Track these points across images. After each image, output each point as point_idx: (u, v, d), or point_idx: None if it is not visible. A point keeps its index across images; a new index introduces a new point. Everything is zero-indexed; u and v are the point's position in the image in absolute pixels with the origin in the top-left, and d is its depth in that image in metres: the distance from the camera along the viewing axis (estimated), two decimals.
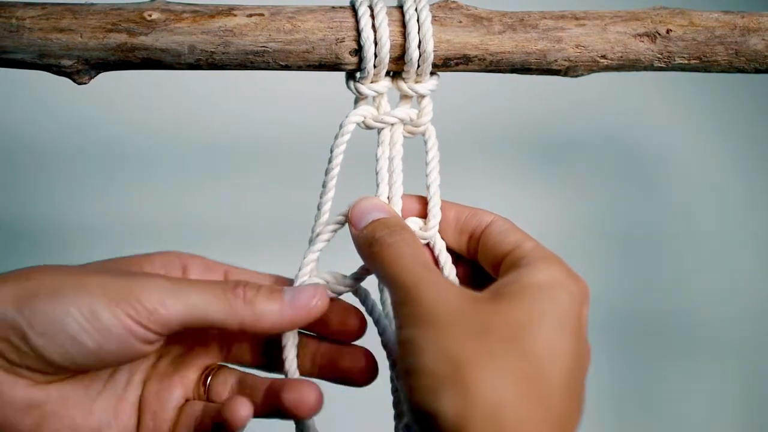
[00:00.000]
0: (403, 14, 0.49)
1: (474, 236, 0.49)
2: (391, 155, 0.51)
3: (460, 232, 0.50)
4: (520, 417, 0.38)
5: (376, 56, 0.49)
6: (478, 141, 0.93)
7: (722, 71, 0.52)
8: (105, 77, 0.50)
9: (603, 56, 0.51)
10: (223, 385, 0.51)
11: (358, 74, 0.50)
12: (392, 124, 0.51)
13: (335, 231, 0.51)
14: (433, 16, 0.49)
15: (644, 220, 0.96)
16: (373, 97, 0.51)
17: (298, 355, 0.50)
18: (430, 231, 0.50)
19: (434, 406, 0.38)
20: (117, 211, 0.89)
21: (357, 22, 0.49)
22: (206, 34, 0.48)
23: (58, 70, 0.49)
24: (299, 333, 0.51)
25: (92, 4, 0.49)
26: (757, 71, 0.52)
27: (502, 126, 0.93)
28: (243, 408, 0.47)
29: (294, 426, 0.51)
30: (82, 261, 0.50)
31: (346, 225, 0.50)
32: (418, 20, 0.49)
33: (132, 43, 0.48)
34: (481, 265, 0.49)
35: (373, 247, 0.46)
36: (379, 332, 0.51)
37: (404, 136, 0.52)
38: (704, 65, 0.51)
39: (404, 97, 0.51)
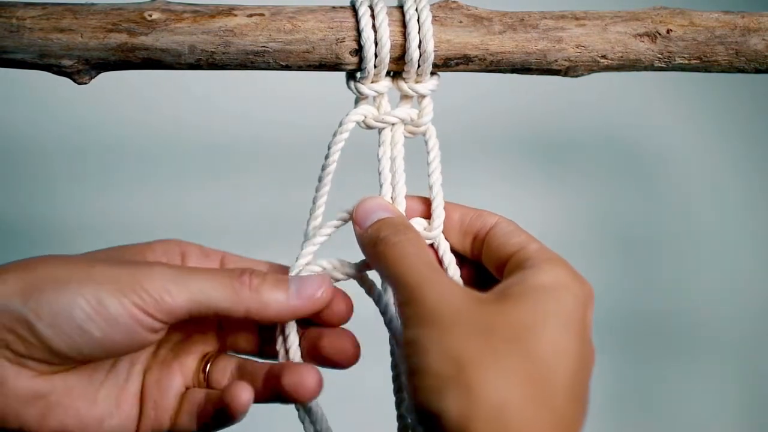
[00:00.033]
0: (403, 14, 0.49)
1: (478, 237, 0.49)
2: (392, 155, 0.51)
3: (465, 234, 0.50)
4: (523, 418, 0.38)
5: (376, 56, 0.49)
6: (478, 141, 0.93)
7: (722, 71, 0.52)
8: (105, 77, 0.50)
9: (603, 56, 0.51)
10: (223, 373, 0.51)
11: (358, 74, 0.50)
12: (393, 124, 0.51)
13: (337, 227, 0.51)
14: (434, 16, 0.49)
15: (644, 220, 0.96)
16: (374, 97, 0.51)
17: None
18: (434, 231, 0.50)
19: (438, 407, 0.38)
20: (117, 211, 0.89)
21: (357, 22, 0.49)
22: (207, 34, 0.48)
23: (59, 70, 0.49)
24: None
25: (93, 4, 0.49)
26: (758, 71, 0.52)
27: (502, 126, 0.93)
28: (244, 393, 0.47)
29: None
30: None
31: (349, 223, 0.50)
32: (418, 20, 0.49)
33: (132, 43, 0.48)
34: (485, 267, 0.49)
35: (377, 246, 0.46)
36: (385, 322, 0.51)
37: (405, 137, 0.52)
38: (704, 65, 0.51)
39: (405, 97, 0.51)
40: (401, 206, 0.50)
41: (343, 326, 0.51)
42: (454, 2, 0.51)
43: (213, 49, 0.48)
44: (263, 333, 0.52)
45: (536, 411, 0.38)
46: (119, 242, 0.52)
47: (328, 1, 0.50)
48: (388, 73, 0.51)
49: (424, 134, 0.52)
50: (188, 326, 0.51)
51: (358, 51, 0.49)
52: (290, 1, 0.51)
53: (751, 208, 0.97)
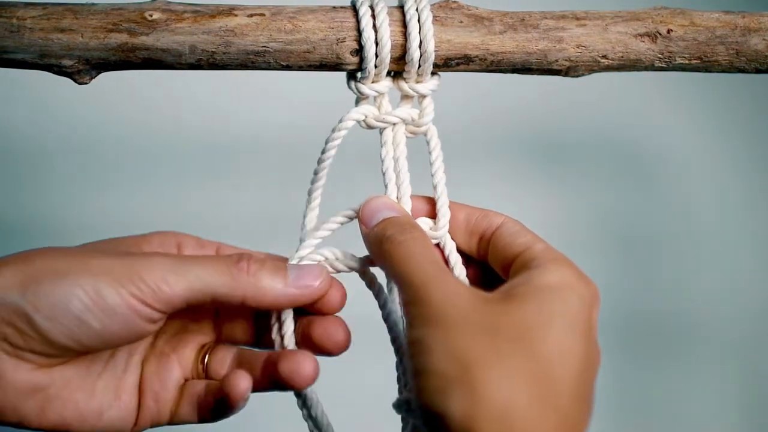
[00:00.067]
0: (404, 14, 0.49)
1: (484, 237, 0.49)
2: (395, 155, 0.51)
3: (471, 234, 0.50)
4: (528, 418, 0.38)
5: (377, 56, 0.49)
6: (478, 141, 0.93)
7: (723, 71, 0.52)
8: (106, 77, 0.50)
9: (604, 56, 0.51)
10: (221, 363, 0.51)
11: (359, 74, 0.50)
12: (394, 124, 0.51)
13: (341, 224, 0.51)
14: (434, 16, 0.49)
15: (644, 220, 0.96)
16: (374, 97, 0.51)
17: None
18: (440, 231, 0.50)
19: (442, 407, 0.38)
20: (117, 211, 0.89)
21: (358, 22, 0.49)
22: (207, 34, 0.48)
23: (59, 70, 0.49)
24: None
25: (93, 4, 0.49)
26: (758, 71, 0.52)
27: (502, 126, 0.93)
28: (243, 381, 0.47)
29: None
30: None
31: (355, 221, 0.50)
32: (419, 20, 0.49)
33: (133, 43, 0.48)
34: (491, 267, 0.49)
35: (383, 245, 0.46)
36: (383, 317, 0.51)
37: (406, 137, 0.52)
38: (705, 65, 0.51)
39: (405, 97, 0.51)
40: (407, 206, 0.50)
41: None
42: (455, 2, 0.51)
43: (213, 49, 0.48)
44: (259, 322, 0.52)
45: (541, 411, 0.38)
46: None
47: (329, 1, 0.50)
48: (388, 73, 0.51)
49: (425, 134, 0.52)
50: (185, 317, 0.51)
51: (359, 51, 0.49)
52: (291, 1, 0.51)
53: (751, 208, 0.97)
